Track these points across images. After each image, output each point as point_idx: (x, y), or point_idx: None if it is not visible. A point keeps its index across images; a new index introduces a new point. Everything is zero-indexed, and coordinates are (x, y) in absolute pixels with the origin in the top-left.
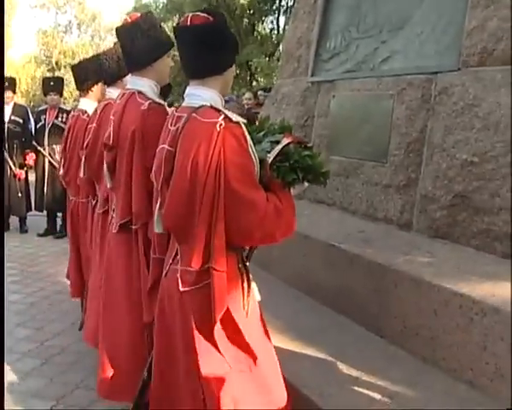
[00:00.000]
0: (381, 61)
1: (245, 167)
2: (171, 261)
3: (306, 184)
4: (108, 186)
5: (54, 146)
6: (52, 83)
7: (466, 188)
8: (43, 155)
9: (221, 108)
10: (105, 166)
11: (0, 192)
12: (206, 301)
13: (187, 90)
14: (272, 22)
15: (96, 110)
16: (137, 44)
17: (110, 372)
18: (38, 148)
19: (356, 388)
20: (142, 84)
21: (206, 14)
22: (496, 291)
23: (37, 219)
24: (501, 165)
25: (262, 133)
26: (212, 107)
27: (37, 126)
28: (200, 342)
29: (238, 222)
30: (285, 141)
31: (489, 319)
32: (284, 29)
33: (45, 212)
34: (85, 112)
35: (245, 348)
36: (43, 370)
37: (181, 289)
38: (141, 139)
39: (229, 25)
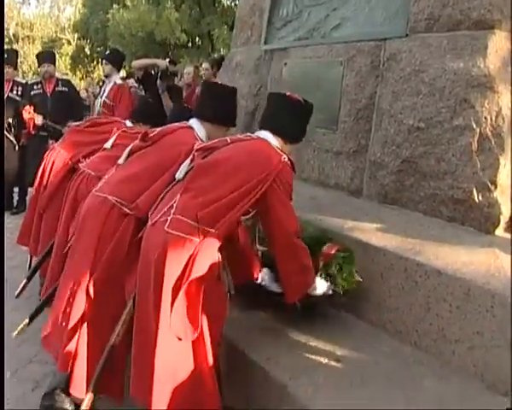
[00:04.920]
0: (331, 29)
1: (287, 184)
2: (165, 210)
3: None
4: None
5: (9, 120)
6: (6, 55)
7: (413, 153)
8: None
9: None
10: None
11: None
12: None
13: (260, 132)
14: None
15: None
16: (218, 104)
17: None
18: None
19: (303, 352)
20: (201, 130)
21: (300, 98)
22: (439, 254)
23: None
24: (446, 130)
25: None
26: (278, 148)
27: None
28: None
29: (281, 222)
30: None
31: (432, 281)
32: None
33: None
34: None
35: None
36: None
37: (166, 228)
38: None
39: None
